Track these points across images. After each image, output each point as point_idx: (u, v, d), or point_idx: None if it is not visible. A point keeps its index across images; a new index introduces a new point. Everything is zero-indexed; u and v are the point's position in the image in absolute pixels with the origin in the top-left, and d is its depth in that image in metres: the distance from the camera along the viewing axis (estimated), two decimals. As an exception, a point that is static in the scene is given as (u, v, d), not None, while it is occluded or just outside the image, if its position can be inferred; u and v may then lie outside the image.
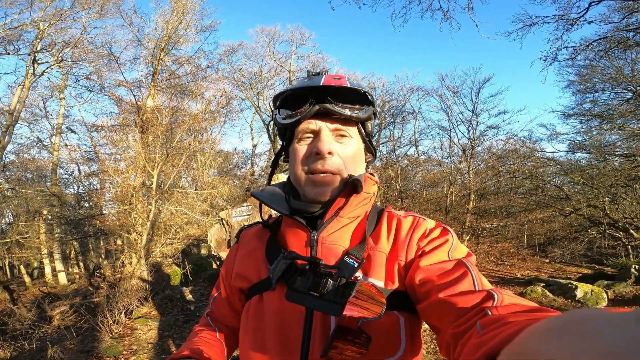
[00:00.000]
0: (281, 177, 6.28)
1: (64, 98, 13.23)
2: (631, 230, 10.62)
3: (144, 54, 12.69)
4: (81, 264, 12.99)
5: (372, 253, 0.65)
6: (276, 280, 0.64)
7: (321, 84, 0.67)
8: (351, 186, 0.67)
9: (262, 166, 20.15)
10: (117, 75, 12.48)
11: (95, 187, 11.64)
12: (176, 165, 8.36)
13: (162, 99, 11.31)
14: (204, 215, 9.63)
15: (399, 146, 17.10)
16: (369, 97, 0.70)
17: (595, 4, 7.28)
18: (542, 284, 7.58)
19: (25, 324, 5.52)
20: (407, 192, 15.75)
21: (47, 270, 11.85)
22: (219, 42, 34.70)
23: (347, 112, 0.68)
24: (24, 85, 11.29)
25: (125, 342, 4.39)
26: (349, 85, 0.68)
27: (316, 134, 0.69)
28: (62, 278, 11.48)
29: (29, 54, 11.32)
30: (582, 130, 12.93)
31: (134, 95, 9.17)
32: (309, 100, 0.68)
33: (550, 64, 8.45)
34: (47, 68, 12.24)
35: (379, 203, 0.80)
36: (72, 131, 13.28)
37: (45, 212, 11.00)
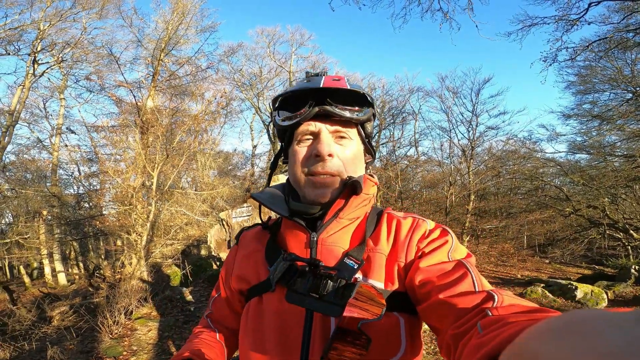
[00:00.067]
0: (281, 178, 6.28)
1: (64, 98, 13.24)
2: (631, 231, 10.62)
3: (144, 54, 12.72)
4: (81, 264, 12.98)
5: (371, 254, 0.65)
6: (276, 281, 0.64)
7: (321, 85, 0.67)
8: (351, 187, 0.67)
9: (262, 167, 20.16)
10: (117, 76, 12.51)
11: (95, 187, 11.67)
12: (176, 165, 8.37)
13: (162, 100, 11.33)
14: (203, 216, 9.63)
15: (398, 147, 17.10)
16: (369, 98, 0.70)
17: (595, 5, 7.29)
18: (542, 285, 7.58)
19: (25, 324, 5.52)
20: (407, 192, 15.75)
21: (47, 270, 11.83)
22: (219, 43, 34.77)
23: (347, 114, 0.68)
24: (24, 86, 11.29)
25: (125, 343, 4.39)
26: (348, 87, 0.68)
27: (316, 135, 0.69)
28: (62, 279, 11.47)
29: (29, 55, 11.33)
30: (582, 131, 12.94)
31: (134, 96, 9.19)
32: (309, 102, 0.68)
33: (550, 65, 8.46)
34: (47, 68, 12.25)
35: (379, 204, 0.80)
36: (72, 132, 13.32)
37: (45, 212, 10.99)
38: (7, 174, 12.18)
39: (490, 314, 0.45)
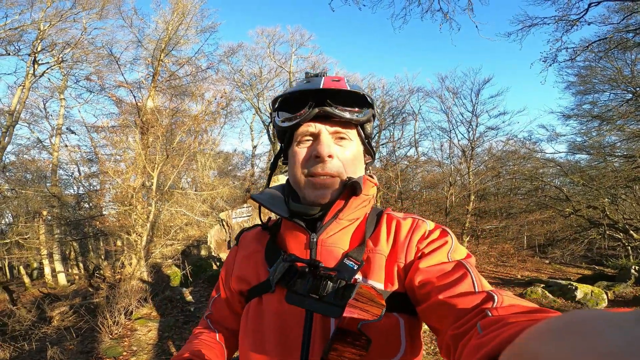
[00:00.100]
0: (281, 178, 6.28)
1: (64, 99, 13.24)
2: (631, 231, 10.62)
3: (144, 54, 12.72)
4: (81, 264, 12.98)
5: (371, 255, 0.65)
6: (276, 282, 0.64)
7: (321, 86, 0.67)
8: (350, 188, 0.67)
9: (262, 167, 20.17)
10: (118, 76, 12.50)
11: (95, 188, 11.66)
12: (176, 166, 8.37)
13: (162, 100, 11.32)
14: (203, 216, 9.63)
15: (398, 147, 17.09)
16: (368, 99, 0.70)
17: (595, 5, 7.30)
18: (542, 285, 7.58)
19: (25, 324, 5.52)
20: (407, 193, 15.74)
21: (47, 271, 11.83)
22: (219, 43, 34.75)
23: (347, 115, 0.68)
24: (24, 86, 11.29)
25: (125, 343, 4.39)
26: (348, 88, 0.68)
27: (316, 136, 0.69)
28: (62, 279, 11.48)
29: (29, 55, 11.33)
30: (582, 131, 12.94)
31: (134, 96, 9.19)
32: (309, 103, 0.67)
33: (550, 65, 8.48)
34: (47, 69, 12.26)
35: (379, 204, 0.80)
36: (72, 132, 13.30)
37: (45, 212, 10.99)
38: (7, 174, 12.18)
39: (490, 314, 0.45)
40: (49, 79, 12.99)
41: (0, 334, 5.41)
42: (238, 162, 22.18)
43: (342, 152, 0.69)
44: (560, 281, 7.55)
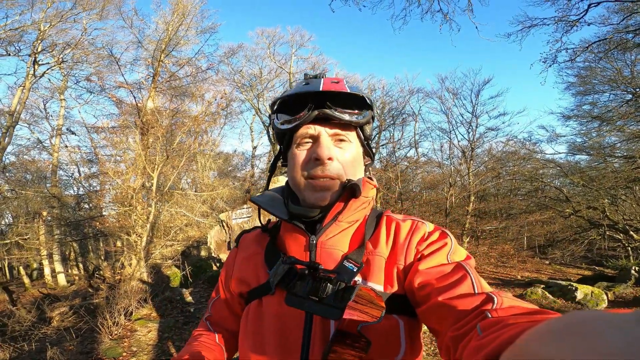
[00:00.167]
0: (281, 179, 6.28)
1: (64, 99, 13.24)
2: (631, 232, 10.62)
3: (144, 55, 12.72)
4: (81, 265, 12.98)
5: (371, 257, 0.65)
6: (275, 284, 0.64)
7: (320, 88, 0.67)
8: (350, 190, 0.67)
9: (262, 168, 20.16)
10: (118, 77, 12.49)
11: (95, 188, 11.64)
12: (176, 167, 8.37)
13: (163, 101, 11.34)
14: (203, 217, 9.63)
15: (398, 148, 17.06)
16: (368, 101, 0.70)
17: (595, 6, 7.30)
18: (542, 286, 7.58)
19: (25, 325, 5.51)
20: (407, 194, 15.72)
21: (47, 271, 11.82)
22: (219, 44, 34.82)
23: (346, 117, 0.68)
24: (24, 87, 11.30)
25: (125, 344, 4.39)
26: (348, 90, 0.67)
27: (315, 139, 0.69)
28: (62, 279, 11.46)
29: (29, 55, 11.34)
30: (582, 132, 12.94)
31: (134, 97, 9.20)
32: (308, 105, 0.67)
33: (550, 66, 8.47)
34: (47, 69, 12.26)
35: (379, 205, 0.80)
36: (72, 132, 13.29)
37: (45, 213, 10.99)
38: (7, 174, 12.18)
39: (489, 315, 0.45)
40: (49, 80, 13.01)
41: (0, 334, 5.41)
42: (238, 163, 22.19)
43: (342, 154, 0.69)
44: (560, 282, 7.55)
